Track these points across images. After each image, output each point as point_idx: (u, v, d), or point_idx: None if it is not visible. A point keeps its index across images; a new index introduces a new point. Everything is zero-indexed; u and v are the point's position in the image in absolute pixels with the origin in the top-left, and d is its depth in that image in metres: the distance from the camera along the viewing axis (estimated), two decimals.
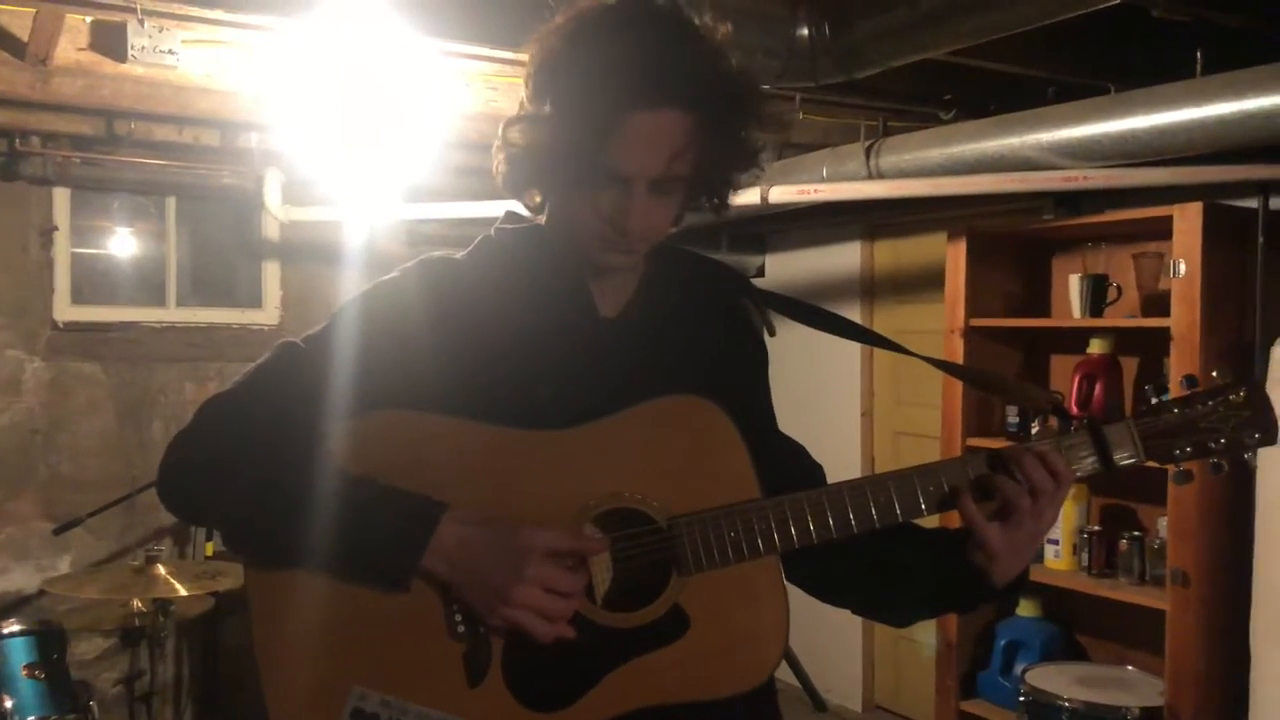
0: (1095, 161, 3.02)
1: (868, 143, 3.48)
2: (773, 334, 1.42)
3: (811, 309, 1.43)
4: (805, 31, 2.41)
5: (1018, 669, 3.38)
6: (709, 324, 1.35)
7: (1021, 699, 3.14)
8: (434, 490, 1.15)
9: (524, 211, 1.32)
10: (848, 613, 1.45)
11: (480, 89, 3.35)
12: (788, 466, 1.34)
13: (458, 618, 1.16)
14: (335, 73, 3.02)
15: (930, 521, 1.30)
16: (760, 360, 1.40)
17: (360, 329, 1.24)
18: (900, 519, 1.22)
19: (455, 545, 1.13)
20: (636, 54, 1.13)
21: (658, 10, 1.17)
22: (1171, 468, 1.26)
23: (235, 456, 1.17)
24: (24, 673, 2.62)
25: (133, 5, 2.38)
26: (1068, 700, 3.04)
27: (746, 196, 3.43)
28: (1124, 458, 1.23)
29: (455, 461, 1.18)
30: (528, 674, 1.16)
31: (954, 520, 1.27)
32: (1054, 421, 1.31)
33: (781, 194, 3.47)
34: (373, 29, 2.64)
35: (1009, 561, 1.22)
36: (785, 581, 1.24)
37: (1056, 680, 3.17)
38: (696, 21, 1.18)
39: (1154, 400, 1.25)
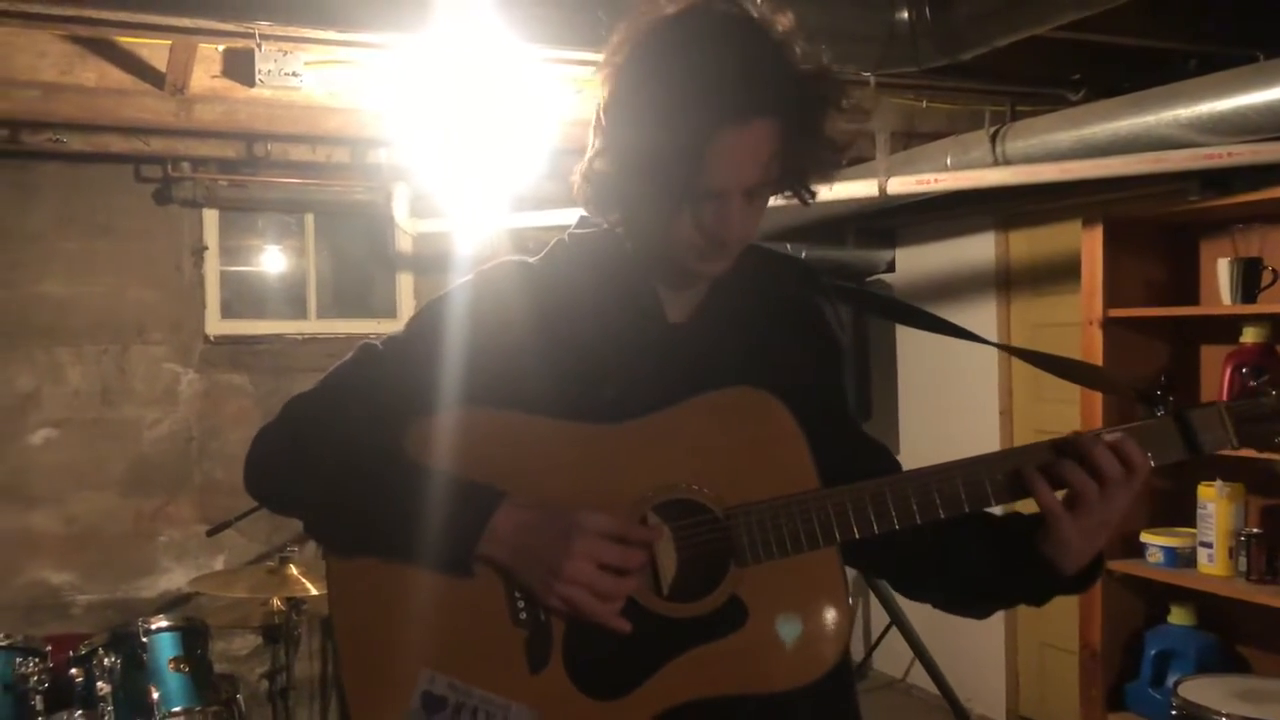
0: (1242, 136, 2.82)
1: (993, 129, 3.35)
2: (845, 330, 1.39)
3: (886, 301, 1.40)
4: (904, 15, 2.32)
5: (1170, 681, 3.17)
6: (778, 323, 1.33)
7: (1173, 712, 2.94)
8: (495, 482, 1.17)
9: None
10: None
11: (591, 94, 3.39)
12: (864, 465, 1.29)
13: (520, 604, 1.18)
14: (448, 85, 3.10)
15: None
16: (832, 357, 1.37)
17: (434, 331, 1.27)
18: (966, 510, 1.18)
19: (511, 530, 1.15)
20: (718, 69, 1.11)
21: (727, 18, 1.16)
22: (1274, 455, 1.19)
23: (312, 450, 1.22)
24: (170, 666, 2.78)
25: (251, 31, 2.51)
26: (1225, 715, 2.82)
27: (862, 188, 3.35)
28: (1212, 443, 1.17)
29: (516, 455, 1.20)
30: (588, 662, 1.17)
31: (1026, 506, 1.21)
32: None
33: (900, 185, 3.36)
34: (482, 39, 2.70)
35: (1080, 549, 1.19)
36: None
37: (1213, 693, 2.95)
38: (758, 18, 1.17)
39: (1252, 384, 1.18)
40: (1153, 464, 1.18)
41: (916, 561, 1.30)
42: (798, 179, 1.23)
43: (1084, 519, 1.17)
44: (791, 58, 1.16)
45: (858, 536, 1.17)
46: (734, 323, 1.29)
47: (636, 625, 1.15)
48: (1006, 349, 1.36)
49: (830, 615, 1.18)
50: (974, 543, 1.27)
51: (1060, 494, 1.18)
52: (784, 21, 1.18)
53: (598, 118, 1.21)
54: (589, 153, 1.22)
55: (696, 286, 1.28)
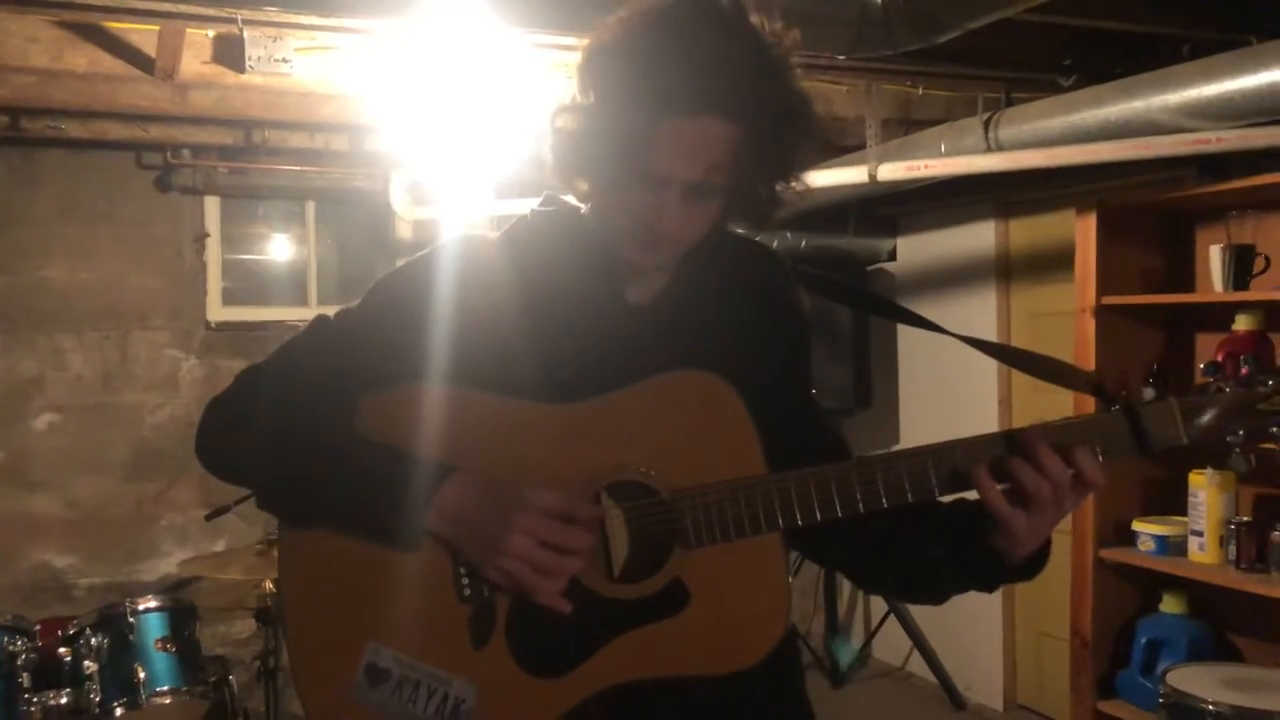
0: (1232, 121, 2.80)
1: (986, 115, 3.33)
2: (809, 315, 1.38)
3: (851, 289, 1.39)
4: None
5: (1160, 669, 3.16)
6: (741, 307, 1.32)
7: (1161, 700, 2.93)
8: (446, 459, 1.18)
9: (567, 196, 1.32)
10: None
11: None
12: (824, 452, 1.28)
13: (464, 581, 1.19)
14: (436, 71, 3.10)
15: None
16: (797, 342, 1.36)
17: (387, 304, 1.28)
18: (910, 499, 1.17)
19: (455, 503, 1.15)
20: (684, 57, 1.11)
21: (717, 13, 1.15)
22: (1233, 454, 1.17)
23: (261, 420, 1.23)
24: (157, 646, 2.82)
25: (234, 16, 2.52)
26: (1212, 703, 2.81)
27: (853, 174, 3.34)
28: (1162, 439, 1.15)
29: (469, 433, 1.20)
30: (529, 640, 1.17)
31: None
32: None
33: (890, 171, 3.35)
34: (466, 24, 2.70)
35: (1030, 543, 1.18)
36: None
37: (1201, 681, 2.93)
38: (760, 27, 1.16)
39: (1209, 380, 1.16)
40: (1101, 460, 1.15)
41: (864, 551, 1.29)
42: (748, 195, 1.21)
43: (1037, 517, 1.15)
44: (771, 73, 1.15)
45: (800, 522, 1.16)
46: (695, 306, 1.28)
47: (579, 605, 1.15)
48: (972, 343, 1.33)
49: (772, 600, 1.19)
50: (922, 532, 1.25)
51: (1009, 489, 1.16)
52: (790, 40, 1.17)
53: (574, 77, 1.20)
54: (557, 107, 1.21)
55: (647, 275, 1.27)
